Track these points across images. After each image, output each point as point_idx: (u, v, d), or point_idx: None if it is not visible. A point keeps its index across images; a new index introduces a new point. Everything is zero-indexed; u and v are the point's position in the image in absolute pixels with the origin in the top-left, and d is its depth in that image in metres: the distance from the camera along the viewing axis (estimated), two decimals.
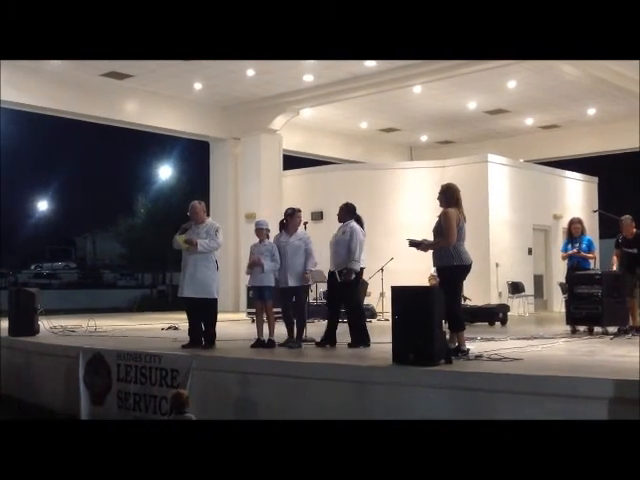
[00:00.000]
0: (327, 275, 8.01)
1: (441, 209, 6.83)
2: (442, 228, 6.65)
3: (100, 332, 10.49)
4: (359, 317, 7.91)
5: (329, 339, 7.78)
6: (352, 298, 7.83)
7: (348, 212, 7.94)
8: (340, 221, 7.95)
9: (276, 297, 8.13)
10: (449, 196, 6.79)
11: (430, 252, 6.85)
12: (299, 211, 8.25)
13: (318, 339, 7.97)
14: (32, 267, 52.93)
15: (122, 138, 32.26)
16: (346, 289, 7.70)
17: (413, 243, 6.86)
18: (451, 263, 6.59)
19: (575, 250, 9.76)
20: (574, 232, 9.87)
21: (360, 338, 7.65)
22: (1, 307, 12.24)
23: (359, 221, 7.93)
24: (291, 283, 7.91)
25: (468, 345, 7.04)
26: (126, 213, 34.43)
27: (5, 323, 10.09)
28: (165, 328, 11.18)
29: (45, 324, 10.20)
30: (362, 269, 7.83)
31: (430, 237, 6.91)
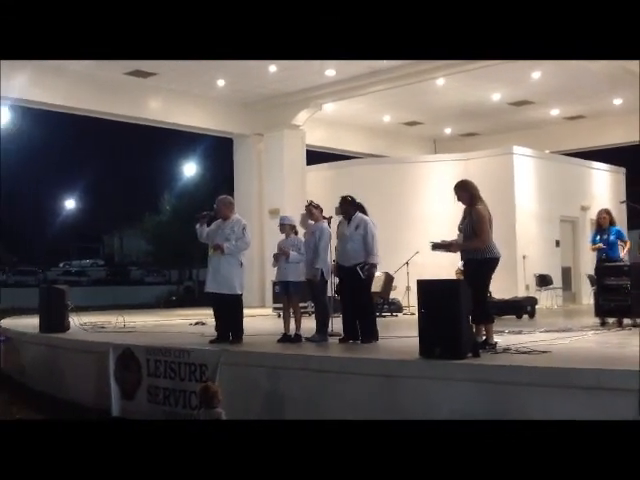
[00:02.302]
0: (337, 269, 7.84)
1: (459, 204, 6.74)
2: (473, 227, 6.53)
3: (129, 328, 10.62)
4: (371, 311, 7.87)
5: (351, 333, 7.67)
6: (367, 292, 7.78)
7: (353, 205, 7.76)
8: (345, 215, 7.74)
9: (303, 291, 8.16)
10: (471, 192, 6.66)
11: None
12: (309, 205, 8.20)
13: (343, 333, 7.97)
14: (61, 265, 53.65)
15: (147, 136, 32.54)
16: (362, 283, 7.59)
17: (438, 245, 6.70)
18: (483, 256, 6.51)
19: (601, 245, 9.66)
20: (602, 223, 9.77)
21: (372, 332, 7.59)
22: (32, 304, 12.45)
23: (363, 210, 7.80)
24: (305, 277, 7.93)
25: (496, 338, 7.02)
26: (152, 210, 34.67)
27: (36, 320, 10.26)
28: (193, 323, 11.28)
29: (75, 321, 10.34)
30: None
31: (454, 231, 6.83)
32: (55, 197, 49.26)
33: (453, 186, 6.83)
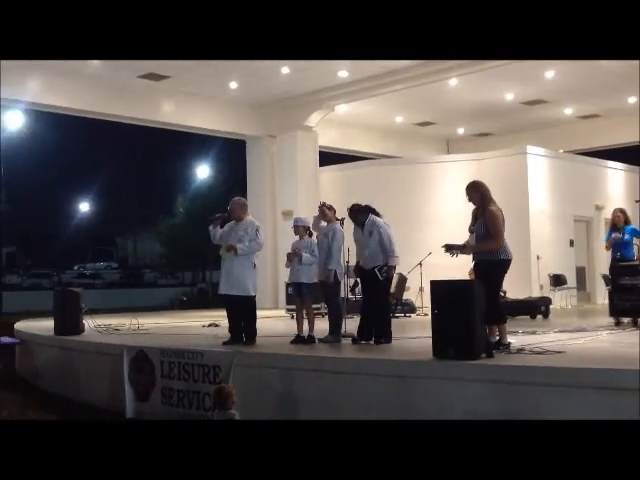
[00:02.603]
0: (355, 271, 7.85)
1: (470, 204, 6.72)
2: (487, 228, 6.51)
3: (143, 330, 10.67)
4: (387, 313, 7.87)
5: (365, 336, 7.65)
6: (384, 294, 7.78)
7: (360, 212, 7.76)
8: (358, 224, 7.73)
9: (316, 293, 8.17)
10: (482, 193, 6.64)
11: None
12: (322, 205, 8.20)
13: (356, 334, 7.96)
14: (75, 267, 54.00)
15: (160, 139, 32.70)
16: (380, 285, 7.59)
17: (453, 247, 6.65)
18: (497, 257, 6.50)
19: (618, 234, 9.57)
20: (617, 222, 9.71)
21: (386, 334, 7.59)
22: (46, 307, 12.53)
23: (374, 212, 7.79)
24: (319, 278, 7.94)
25: (510, 339, 6.98)
26: (166, 213, 34.86)
27: (51, 323, 10.32)
28: (206, 325, 11.31)
29: (90, 323, 10.39)
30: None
31: (465, 232, 6.80)
32: (69, 200, 49.57)
33: (465, 187, 6.80)
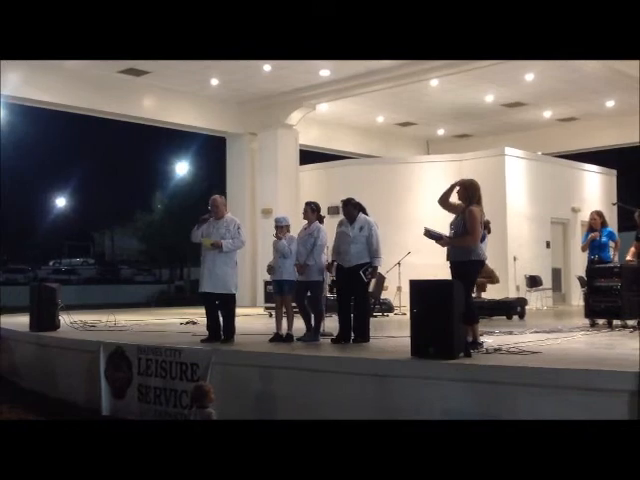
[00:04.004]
0: (335, 270, 7.82)
1: (459, 203, 6.80)
2: (466, 226, 6.59)
3: (120, 327, 10.59)
4: (367, 312, 7.89)
5: (345, 336, 7.65)
6: (365, 293, 7.80)
7: (355, 207, 7.77)
8: (349, 219, 7.73)
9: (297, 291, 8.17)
10: (471, 193, 6.71)
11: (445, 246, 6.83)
12: (307, 204, 8.23)
13: (336, 333, 7.97)
14: (51, 263, 53.42)
15: (140, 134, 32.46)
16: (362, 285, 7.62)
17: (431, 234, 6.75)
18: (469, 258, 6.57)
19: (596, 234, 9.64)
20: (594, 225, 9.81)
21: (365, 333, 7.60)
22: (22, 302, 12.38)
23: (364, 211, 7.81)
24: (304, 277, 7.93)
25: (486, 339, 7.05)
26: (144, 209, 34.65)
27: (26, 318, 10.21)
28: (184, 323, 11.26)
29: (65, 319, 10.30)
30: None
31: (446, 231, 6.87)
32: (46, 195, 48.99)
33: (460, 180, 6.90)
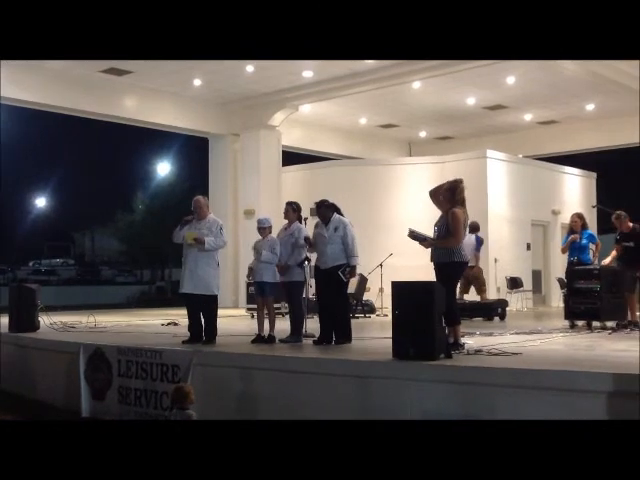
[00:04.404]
0: (314, 272, 7.83)
1: (434, 207, 6.83)
2: (449, 227, 6.62)
3: (100, 328, 10.52)
4: (347, 313, 7.89)
5: (327, 337, 7.63)
6: (344, 294, 7.80)
7: (330, 208, 7.76)
8: (323, 219, 7.73)
9: (278, 292, 8.16)
10: (456, 194, 6.74)
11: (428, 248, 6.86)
12: (288, 204, 8.22)
13: (318, 334, 7.96)
14: (30, 263, 52.92)
15: (121, 134, 32.27)
16: (341, 285, 7.61)
17: (415, 235, 6.77)
18: (452, 259, 6.61)
19: (576, 236, 9.71)
20: (574, 227, 9.88)
21: (346, 334, 7.60)
22: (1, 303, 12.25)
23: (339, 211, 7.80)
24: (286, 278, 7.93)
25: (467, 340, 7.09)
26: (125, 209, 34.44)
27: (5, 319, 10.11)
28: (165, 324, 11.21)
29: (45, 320, 10.21)
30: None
31: (430, 233, 6.91)
32: (26, 195, 48.54)
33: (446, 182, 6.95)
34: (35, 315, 9.86)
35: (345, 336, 7.58)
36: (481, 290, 12.78)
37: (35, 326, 9.80)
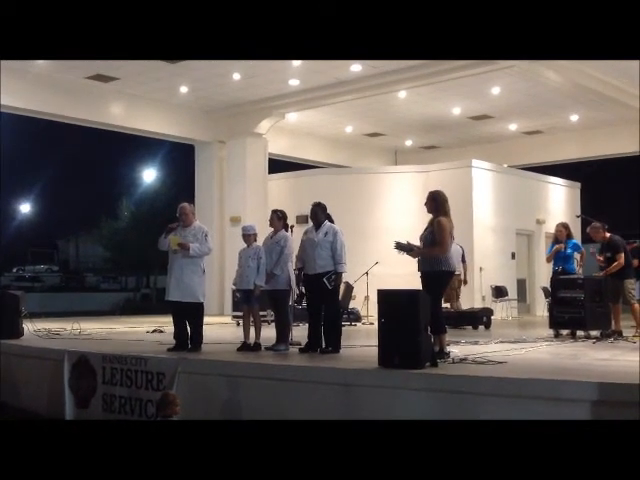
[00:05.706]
0: (303, 278, 7.75)
1: (429, 215, 6.88)
2: (434, 237, 6.67)
3: (84, 335, 10.45)
4: (338, 321, 7.84)
5: (314, 345, 7.62)
6: (335, 303, 7.77)
7: (324, 211, 7.76)
8: (316, 222, 7.71)
9: (264, 300, 8.16)
10: (439, 204, 6.80)
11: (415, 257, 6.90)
12: (273, 212, 8.22)
13: (304, 342, 7.96)
14: (14, 270, 52.40)
15: (107, 141, 32.16)
16: (331, 293, 7.59)
17: (402, 247, 6.81)
18: (440, 268, 6.65)
19: (561, 246, 9.78)
20: (559, 236, 9.96)
21: (336, 343, 7.56)
22: None
23: (331, 220, 7.81)
24: (271, 286, 7.91)
25: (452, 348, 7.12)
26: (110, 216, 34.23)
27: None
28: (150, 331, 11.16)
29: (29, 327, 10.14)
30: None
31: (416, 242, 6.95)
32: (9, 200, 48.15)
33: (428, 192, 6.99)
34: (19, 322, 9.78)
35: (335, 345, 7.51)
36: (452, 298, 12.74)
37: (19, 333, 9.72)
